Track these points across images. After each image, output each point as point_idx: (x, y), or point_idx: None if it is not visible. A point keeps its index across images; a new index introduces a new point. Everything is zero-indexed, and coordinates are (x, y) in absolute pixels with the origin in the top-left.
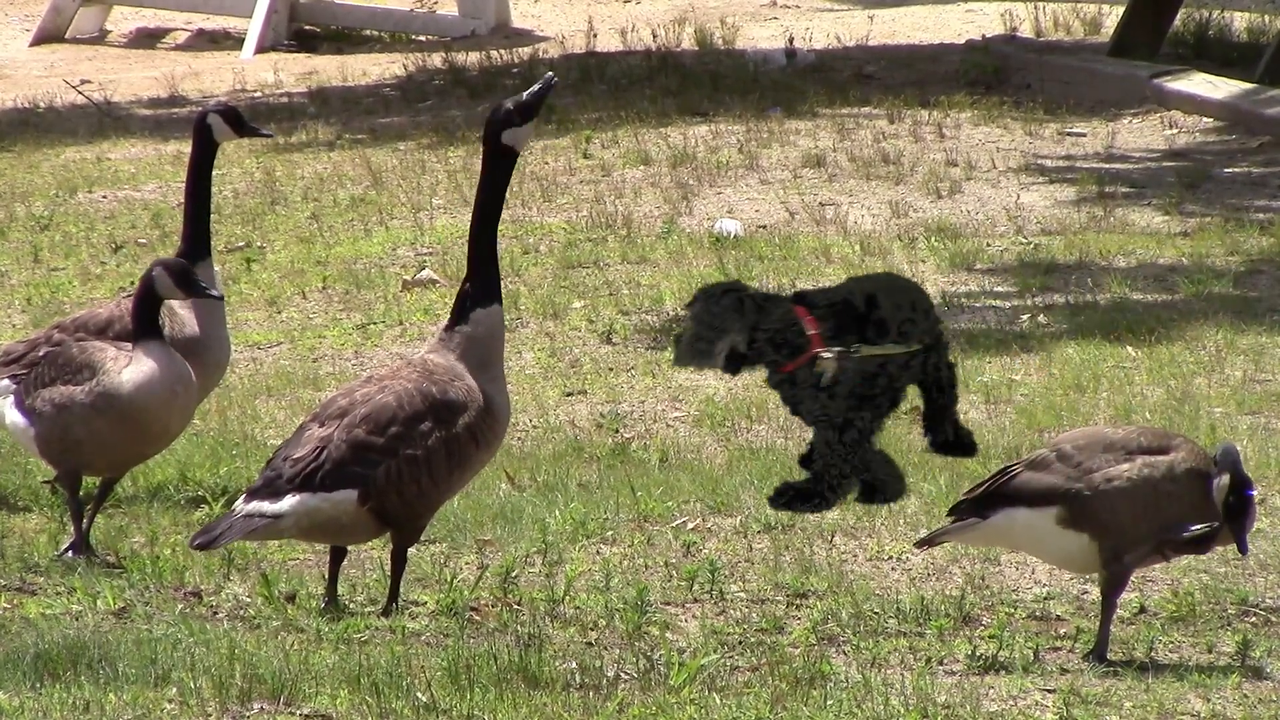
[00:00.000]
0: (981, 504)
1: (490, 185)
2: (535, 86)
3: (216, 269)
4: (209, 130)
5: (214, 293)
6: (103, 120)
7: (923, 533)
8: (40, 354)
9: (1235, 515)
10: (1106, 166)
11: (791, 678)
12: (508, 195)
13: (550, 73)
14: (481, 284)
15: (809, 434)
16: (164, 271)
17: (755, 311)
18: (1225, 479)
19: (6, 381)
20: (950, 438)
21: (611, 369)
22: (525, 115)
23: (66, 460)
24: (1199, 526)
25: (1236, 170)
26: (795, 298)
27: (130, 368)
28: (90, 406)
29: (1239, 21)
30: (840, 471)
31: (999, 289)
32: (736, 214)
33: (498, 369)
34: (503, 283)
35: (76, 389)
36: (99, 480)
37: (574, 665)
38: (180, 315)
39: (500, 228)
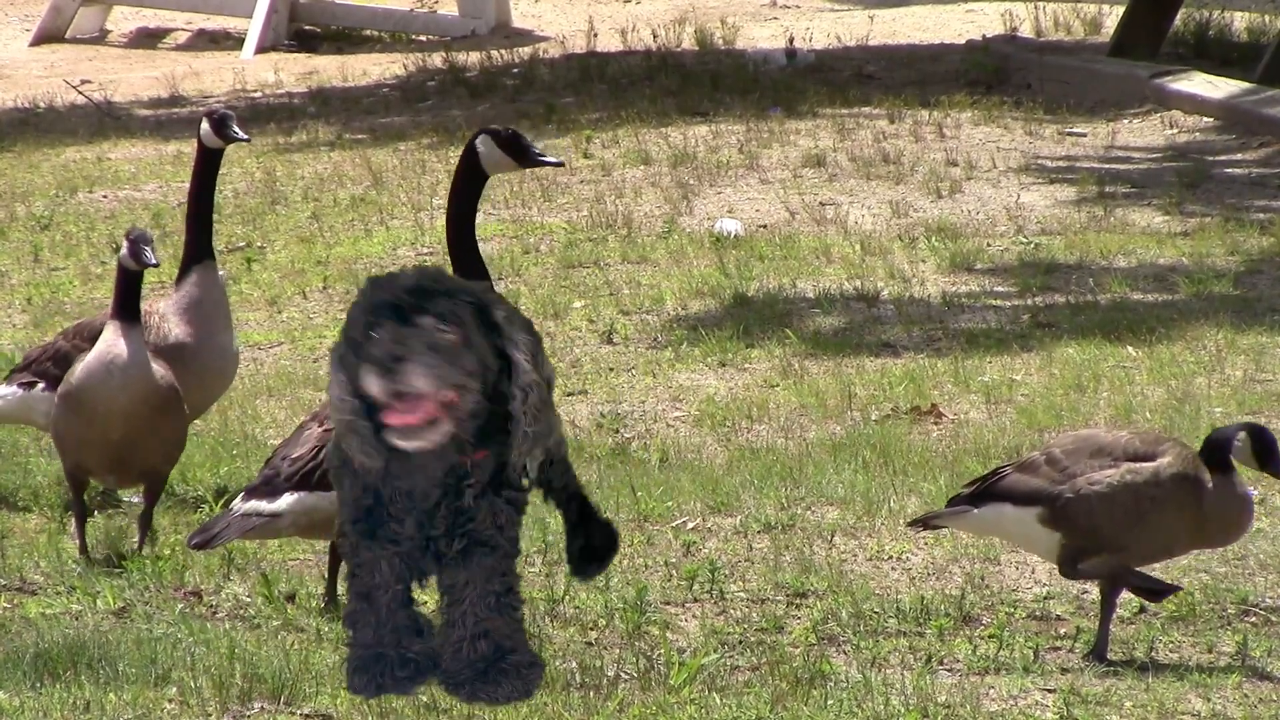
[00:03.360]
0: (975, 499)
1: (459, 187)
2: (547, 155)
3: (222, 272)
4: (204, 135)
5: (151, 259)
6: (103, 120)
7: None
8: (47, 359)
9: (1268, 460)
10: (1106, 166)
11: (791, 678)
12: (508, 195)
13: (562, 162)
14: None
15: (809, 435)
16: (126, 248)
17: None
18: (1244, 433)
19: (15, 388)
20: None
21: (611, 369)
22: (510, 144)
23: (66, 460)
24: (1165, 585)
25: (1236, 170)
26: None
27: (82, 361)
28: (58, 404)
29: (1239, 21)
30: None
31: (999, 289)
32: (737, 214)
33: None
34: (503, 282)
35: (56, 390)
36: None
37: (574, 665)
38: (171, 320)
39: (500, 228)
